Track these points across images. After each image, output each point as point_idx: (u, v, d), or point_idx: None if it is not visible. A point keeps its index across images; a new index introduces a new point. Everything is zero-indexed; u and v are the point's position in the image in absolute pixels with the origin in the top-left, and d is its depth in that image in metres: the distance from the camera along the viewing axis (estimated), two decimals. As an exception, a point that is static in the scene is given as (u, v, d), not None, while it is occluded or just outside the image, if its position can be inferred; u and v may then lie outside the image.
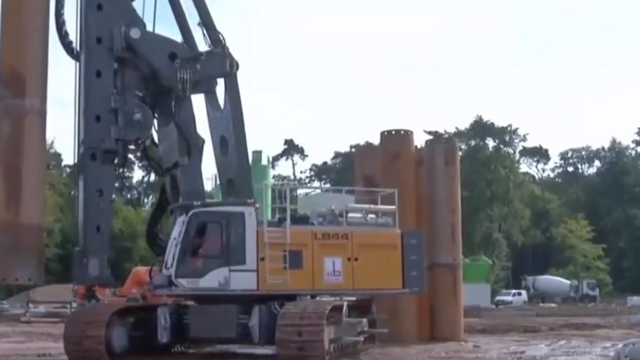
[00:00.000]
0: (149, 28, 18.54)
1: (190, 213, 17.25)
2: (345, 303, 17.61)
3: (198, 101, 19.14)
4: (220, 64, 18.45)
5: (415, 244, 18.46)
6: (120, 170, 18.93)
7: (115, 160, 17.87)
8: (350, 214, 18.51)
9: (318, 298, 18.20)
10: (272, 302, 16.98)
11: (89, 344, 16.16)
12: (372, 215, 18.76)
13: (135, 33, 17.67)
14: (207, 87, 18.89)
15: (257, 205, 17.62)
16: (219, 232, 17.26)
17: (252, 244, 17.11)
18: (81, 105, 17.76)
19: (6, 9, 17.35)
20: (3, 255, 16.82)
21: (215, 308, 17.22)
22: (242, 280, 17.00)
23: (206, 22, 18.76)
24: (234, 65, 18.52)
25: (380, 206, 19.11)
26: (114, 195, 18.11)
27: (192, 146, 18.25)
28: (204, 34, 18.74)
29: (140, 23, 18.11)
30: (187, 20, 18.92)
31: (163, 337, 17.20)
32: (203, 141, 18.74)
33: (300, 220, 18.24)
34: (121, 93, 17.68)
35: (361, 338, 18.47)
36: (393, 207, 18.75)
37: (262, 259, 17.01)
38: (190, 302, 18.10)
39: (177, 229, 17.41)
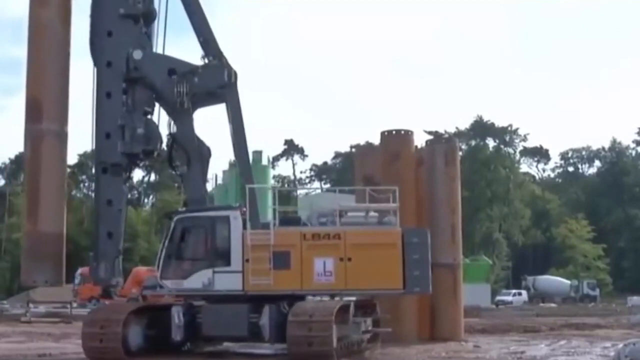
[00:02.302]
0: (160, 43, 19.85)
1: (174, 219, 18.37)
2: (352, 303, 17.87)
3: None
4: (218, 75, 19.13)
5: (417, 242, 18.09)
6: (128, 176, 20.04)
7: (126, 173, 19.39)
8: (351, 214, 18.54)
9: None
10: (281, 301, 17.51)
11: (107, 342, 16.87)
12: (374, 214, 18.70)
13: (137, 54, 18.99)
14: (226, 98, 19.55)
15: (244, 209, 18.06)
16: (203, 235, 18.22)
17: (238, 246, 17.77)
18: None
19: (29, 41, 19.46)
20: (24, 260, 19.31)
21: (227, 307, 17.78)
22: (227, 281, 17.74)
23: (207, 36, 19.50)
24: (232, 76, 19.14)
25: (379, 204, 19.04)
26: (122, 204, 19.22)
27: (191, 157, 19.12)
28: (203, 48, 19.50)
29: (145, 44, 19.38)
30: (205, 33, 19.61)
31: (177, 335, 17.88)
32: (208, 150, 19.46)
33: (291, 221, 18.63)
34: (132, 110, 19.01)
35: (366, 337, 18.76)
36: (394, 204, 18.54)
37: (248, 260, 17.62)
38: (202, 302, 18.54)
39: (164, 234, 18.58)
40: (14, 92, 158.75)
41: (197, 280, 17.82)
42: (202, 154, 19.36)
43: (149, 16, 19.65)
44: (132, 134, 18.71)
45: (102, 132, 18.90)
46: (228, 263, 17.79)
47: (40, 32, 19.34)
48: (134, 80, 19.11)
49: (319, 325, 16.24)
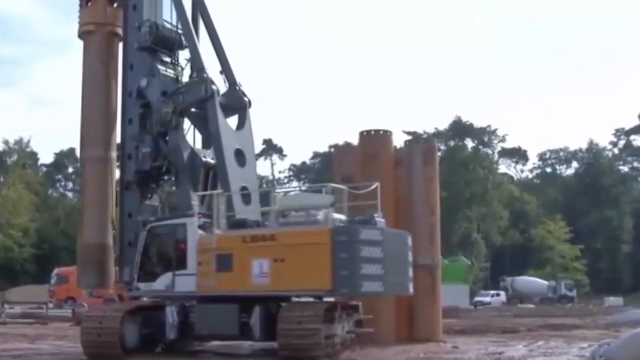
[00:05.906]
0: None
1: (147, 227, 19.84)
2: (339, 304, 18.14)
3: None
4: (197, 90, 20.75)
5: (345, 240, 17.34)
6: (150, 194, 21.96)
7: (142, 188, 21.32)
8: (295, 213, 18.62)
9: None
10: (270, 303, 18.16)
11: (105, 338, 17.96)
12: (314, 212, 18.34)
13: (143, 82, 21.24)
14: (237, 110, 21.52)
15: (200, 216, 19.26)
16: (168, 242, 19.54)
17: (193, 250, 18.79)
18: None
19: (82, 83, 22.70)
20: (77, 267, 23.16)
21: (219, 307, 18.39)
22: (184, 284, 18.76)
23: (192, 51, 21.37)
24: (209, 89, 20.56)
25: (313, 202, 18.69)
26: (141, 215, 20.98)
27: (178, 169, 20.83)
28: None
29: (155, 73, 21.32)
30: (225, 55, 21.73)
31: (171, 334, 18.70)
32: (201, 161, 20.86)
33: (238, 224, 19.08)
34: (149, 132, 21.11)
35: (349, 337, 18.92)
36: (327, 201, 18.12)
37: (200, 263, 18.61)
38: (194, 302, 19.12)
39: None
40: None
41: (162, 283, 19.08)
42: (194, 165, 20.75)
43: (166, 44, 21.67)
44: (142, 154, 20.82)
45: (126, 154, 21.41)
46: (185, 266, 18.80)
47: (85, 73, 22.57)
48: (147, 106, 21.23)
49: (308, 319, 16.79)
